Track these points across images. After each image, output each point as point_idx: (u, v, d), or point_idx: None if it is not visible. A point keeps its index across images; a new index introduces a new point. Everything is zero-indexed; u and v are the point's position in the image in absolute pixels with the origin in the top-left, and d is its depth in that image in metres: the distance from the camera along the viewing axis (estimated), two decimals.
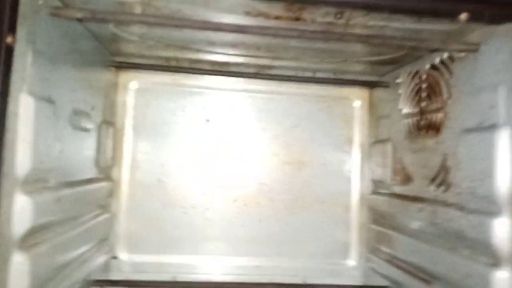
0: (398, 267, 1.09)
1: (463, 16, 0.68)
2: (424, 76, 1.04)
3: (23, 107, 0.61)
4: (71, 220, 0.88)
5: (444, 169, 0.93)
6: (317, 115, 1.35)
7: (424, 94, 1.03)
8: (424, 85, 1.04)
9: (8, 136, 0.58)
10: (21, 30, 0.59)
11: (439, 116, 0.96)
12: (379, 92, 1.31)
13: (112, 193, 1.22)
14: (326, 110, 1.36)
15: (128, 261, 1.27)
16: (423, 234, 0.99)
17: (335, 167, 1.35)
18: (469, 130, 0.83)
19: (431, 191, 0.97)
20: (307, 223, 1.33)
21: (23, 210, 0.62)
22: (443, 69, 0.95)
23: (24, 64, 0.61)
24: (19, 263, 0.62)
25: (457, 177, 0.87)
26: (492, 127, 0.76)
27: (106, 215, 1.17)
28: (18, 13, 0.58)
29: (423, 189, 1.01)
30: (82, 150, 0.94)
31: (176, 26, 0.72)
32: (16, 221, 0.61)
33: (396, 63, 1.14)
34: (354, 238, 1.35)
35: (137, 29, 0.92)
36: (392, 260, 1.14)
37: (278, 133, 1.34)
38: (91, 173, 1.03)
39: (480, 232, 0.78)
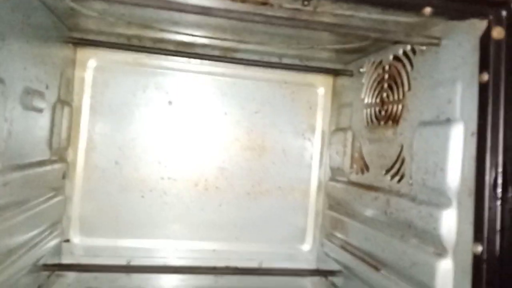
0: (350, 252, 1.13)
1: (427, 10, 0.69)
2: (386, 67, 1.05)
3: None
4: (20, 204, 0.84)
5: (399, 160, 0.95)
6: (280, 101, 1.35)
7: (385, 85, 1.05)
8: (386, 76, 1.05)
9: None
10: None
11: (399, 107, 0.98)
12: (343, 80, 1.32)
13: (66, 175, 1.18)
14: (289, 96, 1.36)
15: (81, 244, 1.23)
16: (375, 222, 1.02)
17: (295, 154, 1.36)
18: (425, 123, 0.86)
19: (386, 181, 1.00)
20: (266, 209, 1.34)
21: None
22: (405, 61, 0.97)
23: None
24: None
25: (411, 168, 0.89)
26: (447, 121, 0.79)
27: (59, 198, 1.12)
28: None
29: (378, 179, 1.03)
30: (34, 131, 0.89)
31: (136, 5, 0.68)
32: None
33: (361, 52, 1.15)
34: (310, 224, 1.38)
35: (97, 4, 0.87)
36: (345, 246, 1.17)
37: (240, 118, 1.33)
38: (44, 155, 0.98)
39: (429, 222, 0.80)
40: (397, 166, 0.96)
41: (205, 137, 1.31)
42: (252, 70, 1.31)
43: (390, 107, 1.02)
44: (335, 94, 1.36)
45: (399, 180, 0.94)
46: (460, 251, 0.75)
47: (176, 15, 0.90)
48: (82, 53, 1.20)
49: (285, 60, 1.32)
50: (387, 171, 1.00)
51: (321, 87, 1.37)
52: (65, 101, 1.10)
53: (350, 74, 1.25)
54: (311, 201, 1.38)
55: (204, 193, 1.31)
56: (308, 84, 1.37)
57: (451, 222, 0.77)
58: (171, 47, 1.23)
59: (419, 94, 0.90)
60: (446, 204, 0.78)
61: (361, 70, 1.18)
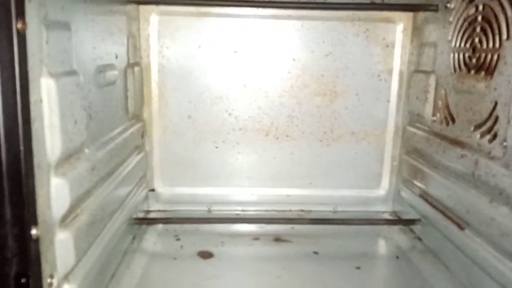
0: (430, 203, 1.09)
1: None
2: (480, 7, 0.90)
3: (46, 92, 0.57)
4: (109, 175, 0.88)
5: (492, 118, 0.86)
6: (353, 40, 1.25)
7: (478, 28, 0.91)
8: (479, 17, 0.91)
9: (35, 126, 0.55)
10: (31, 9, 0.53)
11: (494, 57, 0.85)
12: (425, 15, 1.17)
13: (144, 134, 1.22)
14: (363, 35, 1.25)
15: (165, 193, 1.32)
16: (461, 180, 0.96)
17: (370, 97, 1.29)
18: None
19: (475, 138, 0.91)
20: (339, 155, 1.32)
21: (60, 193, 0.61)
22: (505, 3, 0.82)
23: (39, 46, 0.56)
24: (63, 242, 0.63)
25: (506, 130, 0.80)
26: None
27: (141, 155, 1.18)
28: None
29: (465, 134, 0.95)
30: (110, 103, 0.91)
31: None
32: (54, 205, 0.61)
33: None
34: (386, 169, 1.34)
35: None
36: (424, 196, 1.13)
37: (309, 63, 1.26)
38: (123, 122, 1.01)
39: None
40: (488, 124, 0.87)
41: (273, 85, 1.27)
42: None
43: (483, 55, 0.89)
44: (416, 30, 1.22)
45: (491, 140, 0.86)
46: None
47: None
48: (145, 9, 1.17)
49: None
50: (477, 127, 0.91)
51: (400, 23, 1.23)
52: (134, 63, 1.11)
53: (434, 9, 1.10)
54: (387, 146, 1.32)
55: (275, 141, 1.31)
56: (384, 20, 1.24)
57: None
58: None
59: None
60: None
61: (448, 5, 1.03)
